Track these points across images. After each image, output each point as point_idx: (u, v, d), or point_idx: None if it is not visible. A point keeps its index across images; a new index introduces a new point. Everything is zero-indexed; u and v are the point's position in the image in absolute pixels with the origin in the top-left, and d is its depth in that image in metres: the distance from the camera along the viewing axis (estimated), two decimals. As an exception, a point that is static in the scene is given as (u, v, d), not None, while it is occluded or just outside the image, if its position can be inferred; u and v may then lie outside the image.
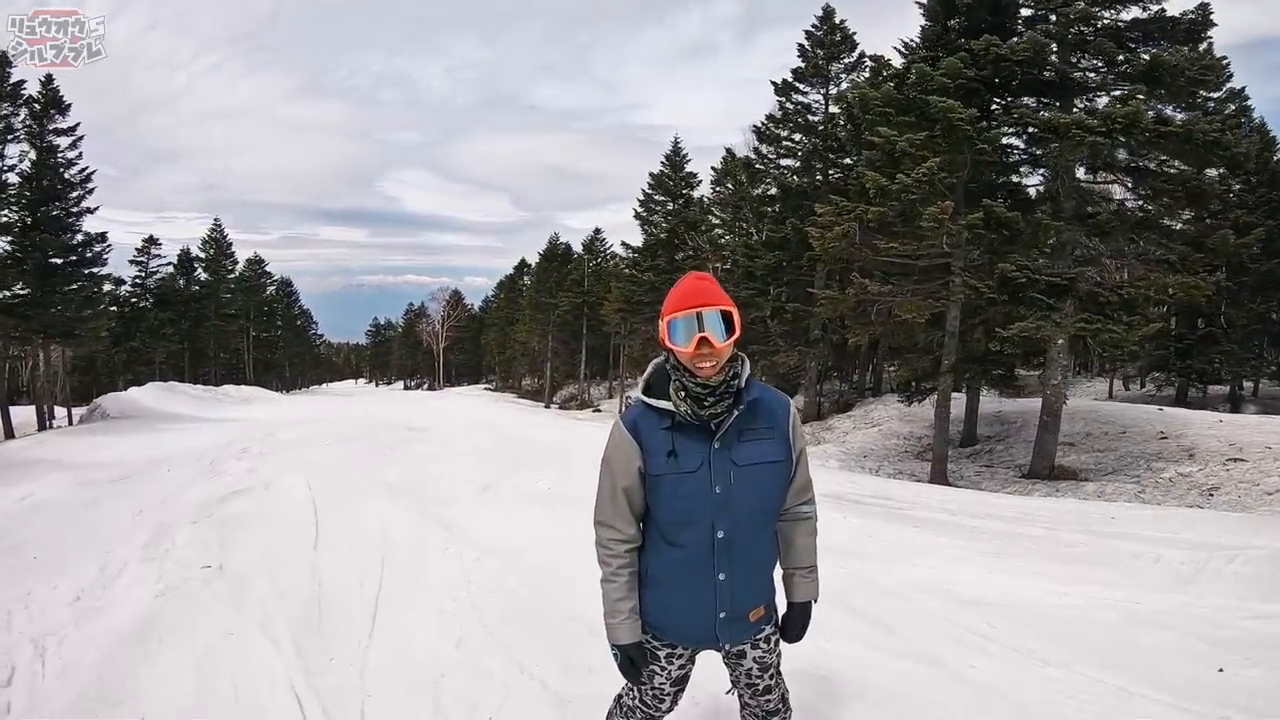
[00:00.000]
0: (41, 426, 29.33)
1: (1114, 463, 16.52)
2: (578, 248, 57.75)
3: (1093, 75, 15.86)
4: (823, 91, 28.15)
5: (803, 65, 28.13)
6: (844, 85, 26.55)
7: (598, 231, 55.44)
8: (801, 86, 28.43)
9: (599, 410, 46.27)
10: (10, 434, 26.16)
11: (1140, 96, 13.68)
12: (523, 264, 73.06)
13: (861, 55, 26.38)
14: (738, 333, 2.37)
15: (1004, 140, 15.99)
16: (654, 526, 2.56)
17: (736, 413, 2.43)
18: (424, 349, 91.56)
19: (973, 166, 15.58)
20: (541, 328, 57.02)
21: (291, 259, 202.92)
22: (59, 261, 30.09)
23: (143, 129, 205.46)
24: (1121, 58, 15.24)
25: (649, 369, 2.60)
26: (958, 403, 19.96)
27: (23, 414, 32.61)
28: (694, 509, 2.44)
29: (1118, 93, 14.89)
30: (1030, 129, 15.43)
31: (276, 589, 6.36)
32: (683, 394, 2.41)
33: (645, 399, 2.51)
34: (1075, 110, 15.29)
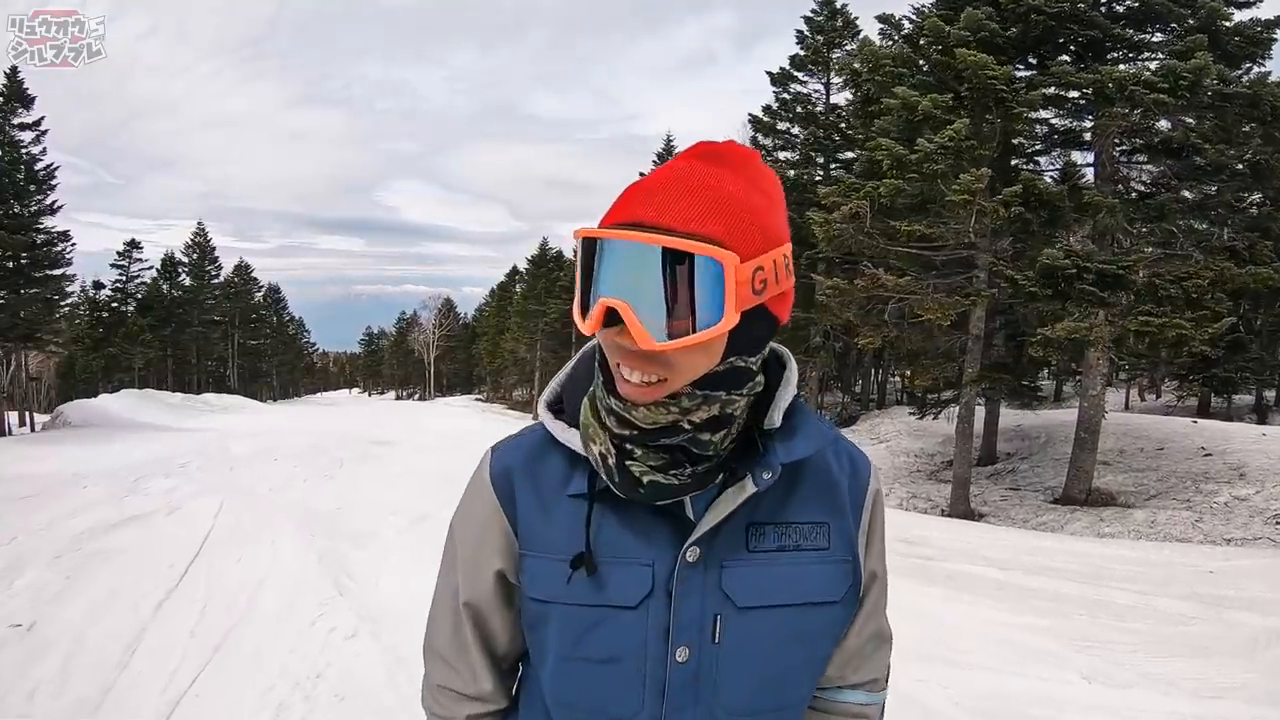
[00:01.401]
0: (1, 434, 28.53)
1: (1157, 484, 14.73)
2: (569, 254, 56.14)
3: (1137, 33, 14.03)
4: (823, 81, 26.65)
5: (801, 53, 26.58)
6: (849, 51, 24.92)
7: (588, 237, 53.66)
8: (800, 75, 26.89)
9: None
10: (-34, 441, 25.45)
11: (1203, 51, 11.83)
12: (514, 272, 71.43)
13: (866, 41, 24.79)
14: (728, 319, 0.94)
15: (1035, 113, 14.19)
16: (534, 691, 1.24)
17: (755, 490, 1.07)
18: (415, 358, 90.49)
19: (1002, 138, 13.74)
20: (530, 336, 55.44)
21: (289, 267, 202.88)
22: (23, 261, 29.40)
23: (140, 136, 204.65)
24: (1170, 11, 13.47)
25: (575, 357, 1.27)
26: (975, 416, 18.23)
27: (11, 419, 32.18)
28: (620, 696, 1.12)
29: (1178, 49, 13.00)
30: (1075, 90, 13.57)
31: (67, 670, 4.98)
32: (601, 423, 1.09)
33: (549, 419, 1.19)
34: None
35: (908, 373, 18.58)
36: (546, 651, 1.15)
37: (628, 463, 1.06)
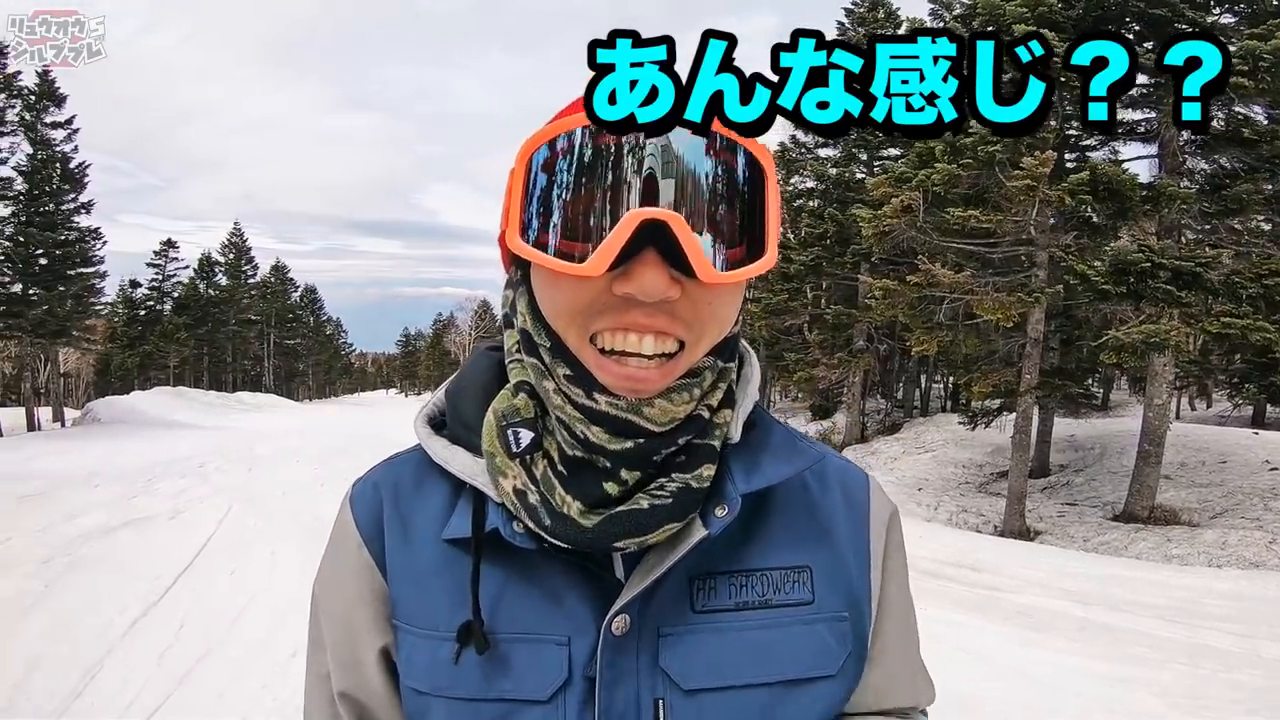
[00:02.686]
0: (31, 429, 28.86)
1: (1222, 501, 13.83)
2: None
3: (1204, 15, 13.28)
4: (867, 73, 25.97)
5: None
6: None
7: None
8: (840, 67, 26.22)
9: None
10: (-2, 434, 26.10)
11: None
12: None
13: (916, 22, 24.23)
14: (774, 243, 0.76)
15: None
16: None
17: (707, 533, 0.81)
18: (451, 360, 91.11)
19: (1060, 125, 13.01)
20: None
21: (329, 269, 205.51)
22: (49, 259, 29.66)
23: (183, 139, 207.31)
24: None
25: (461, 368, 0.97)
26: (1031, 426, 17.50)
27: (42, 414, 32.65)
28: None
29: (1258, 31, 12.19)
30: (1142, 75, 12.86)
31: (17, 696, 4.61)
32: (540, 444, 0.84)
33: (432, 443, 0.91)
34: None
35: (963, 380, 17.79)
36: None
37: (607, 485, 0.78)
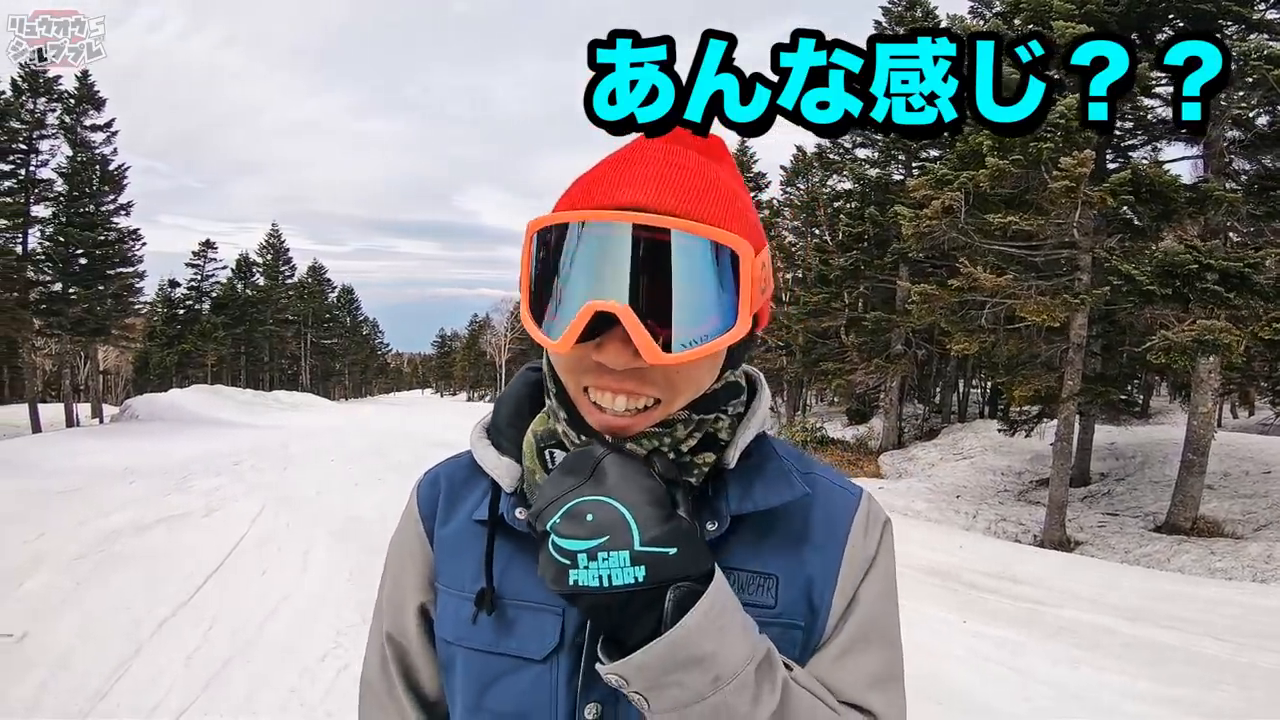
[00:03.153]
0: (70, 425, 29.32)
1: (1267, 512, 13.53)
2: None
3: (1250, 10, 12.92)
4: (904, 72, 25.65)
5: (879, 45, 25.73)
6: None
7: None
8: (879, 69, 25.94)
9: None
10: (37, 430, 26.57)
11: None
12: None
13: (957, 19, 23.82)
14: (743, 322, 0.86)
15: (1146, 99, 13.17)
16: None
17: None
18: (487, 360, 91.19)
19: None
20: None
21: (367, 270, 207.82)
22: (89, 259, 30.19)
23: (223, 142, 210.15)
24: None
25: (508, 384, 1.14)
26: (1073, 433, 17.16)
27: (81, 411, 33.47)
28: None
29: None
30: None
31: (42, 694, 4.62)
32: (540, 459, 1.03)
33: (477, 444, 1.08)
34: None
35: (1003, 381, 17.53)
36: (455, 700, 1.06)
37: None
